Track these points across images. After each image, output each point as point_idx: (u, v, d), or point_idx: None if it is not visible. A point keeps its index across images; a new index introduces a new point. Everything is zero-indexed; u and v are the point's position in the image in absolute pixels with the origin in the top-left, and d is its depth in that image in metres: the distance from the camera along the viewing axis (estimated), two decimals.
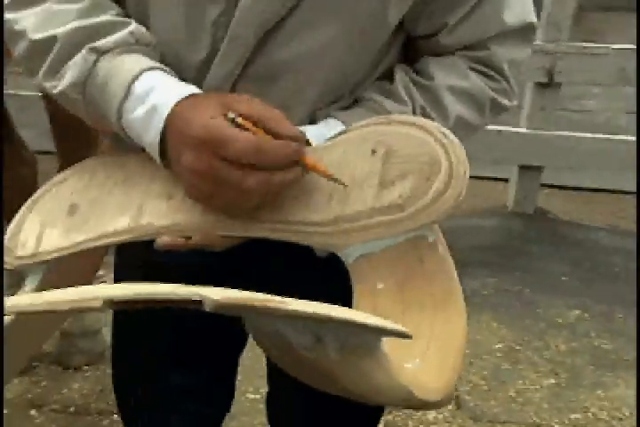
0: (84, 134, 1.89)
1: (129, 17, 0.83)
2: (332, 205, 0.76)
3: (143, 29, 0.80)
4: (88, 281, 1.03)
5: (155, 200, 0.82)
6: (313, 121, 0.84)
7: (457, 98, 0.84)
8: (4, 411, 1.83)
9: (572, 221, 2.83)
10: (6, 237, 0.87)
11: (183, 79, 0.80)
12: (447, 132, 0.75)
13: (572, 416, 1.91)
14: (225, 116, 0.73)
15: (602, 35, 3.40)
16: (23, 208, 0.88)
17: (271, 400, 1.16)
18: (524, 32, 0.86)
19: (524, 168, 2.73)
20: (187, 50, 0.80)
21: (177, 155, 0.75)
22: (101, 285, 0.73)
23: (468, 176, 0.73)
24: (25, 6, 0.82)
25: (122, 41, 0.78)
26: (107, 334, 2.10)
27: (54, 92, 0.80)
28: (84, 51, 0.77)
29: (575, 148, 2.68)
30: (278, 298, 0.59)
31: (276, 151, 0.71)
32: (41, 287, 0.85)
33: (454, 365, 0.72)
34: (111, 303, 0.57)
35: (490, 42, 0.85)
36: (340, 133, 0.80)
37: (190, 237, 0.80)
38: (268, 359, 1.10)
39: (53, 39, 0.78)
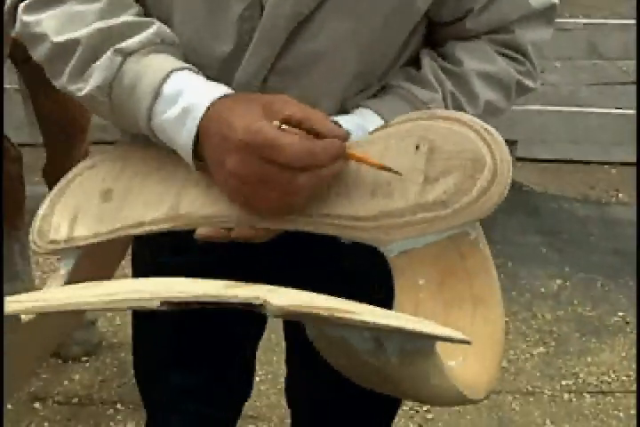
0: (70, 125, 1.87)
1: (149, 14, 0.81)
2: (375, 200, 0.75)
3: (166, 29, 0.79)
4: (114, 269, 1.04)
5: (193, 189, 0.81)
6: (343, 111, 0.83)
7: (486, 83, 0.84)
8: (8, 406, 1.84)
9: (546, 193, 2.89)
10: (38, 218, 0.85)
11: (207, 75, 0.78)
12: (490, 128, 0.74)
13: (563, 383, 1.98)
14: (269, 120, 0.72)
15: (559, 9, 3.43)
16: (54, 190, 0.86)
17: (290, 384, 1.18)
18: (547, 13, 0.86)
19: None
20: (210, 45, 0.79)
21: (219, 158, 0.74)
22: (150, 279, 0.72)
23: (511, 174, 0.73)
24: (44, 8, 0.80)
25: (147, 41, 0.77)
26: (102, 325, 2.11)
27: (79, 95, 0.79)
28: (109, 53, 0.76)
29: (546, 121, 2.74)
30: (344, 306, 0.58)
31: (325, 152, 0.72)
32: (74, 273, 0.84)
33: (495, 361, 0.73)
34: (168, 304, 0.57)
35: (514, 25, 0.84)
36: (380, 128, 0.79)
37: (231, 229, 0.79)
38: (287, 342, 1.11)
39: (76, 42, 0.77)
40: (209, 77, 0.78)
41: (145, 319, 1.03)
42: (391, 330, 0.59)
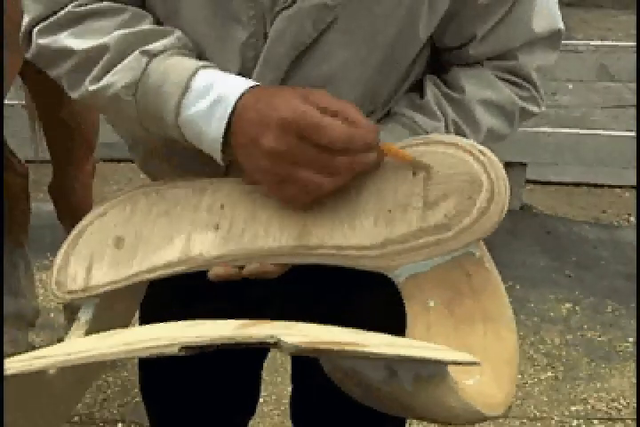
0: (77, 141, 1.87)
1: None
2: (378, 228, 0.77)
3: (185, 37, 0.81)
4: (134, 314, 1.04)
5: (202, 230, 0.83)
6: None
7: (488, 111, 0.85)
8: None
9: (556, 216, 2.87)
10: (54, 270, 0.88)
11: None
12: (485, 149, 0.76)
13: (572, 409, 1.95)
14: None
15: (570, 30, 3.44)
16: (67, 241, 0.88)
17: (295, 400, 1.17)
18: (552, 39, 0.86)
19: (508, 165, 2.77)
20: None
21: (254, 137, 0.74)
22: (161, 325, 0.73)
23: (508, 192, 0.75)
24: (60, 30, 0.82)
25: (171, 45, 0.79)
26: None
27: (105, 95, 0.79)
28: (134, 54, 0.78)
29: (558, 144, 2.72)
30: (353, 338, 0.61)
31: (363, 139, 0.73)
32: (95, 320, 0.86)
33: (510, 377, 0.74)
34: (186, 349, 0.59)
35: (518, 51, 0.85)
36: None
37: (243, 267, 0.81)
38: (293, 358, 1.11)
39: (104, 46, 0.79)
40: None
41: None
42: (400, 359, 0.61)
